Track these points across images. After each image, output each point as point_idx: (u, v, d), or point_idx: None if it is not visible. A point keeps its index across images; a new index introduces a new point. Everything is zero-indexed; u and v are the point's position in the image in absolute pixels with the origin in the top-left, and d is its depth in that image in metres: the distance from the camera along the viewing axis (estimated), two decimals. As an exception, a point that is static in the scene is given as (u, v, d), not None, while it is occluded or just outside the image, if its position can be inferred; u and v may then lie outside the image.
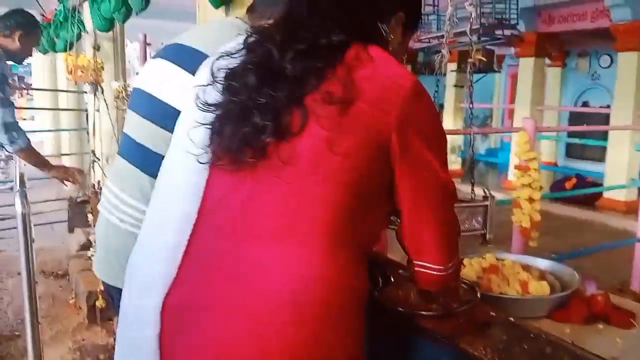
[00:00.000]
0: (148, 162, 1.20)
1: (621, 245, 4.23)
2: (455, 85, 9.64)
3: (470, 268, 1.61)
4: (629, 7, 6.39)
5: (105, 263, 1.31)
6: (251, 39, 0.93)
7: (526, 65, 8.29)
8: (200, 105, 0.92)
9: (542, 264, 1.68)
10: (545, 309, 1.45)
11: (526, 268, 1.60)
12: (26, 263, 2.25)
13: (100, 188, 3.46)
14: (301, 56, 0.86)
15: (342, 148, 0.82)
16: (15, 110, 2.86)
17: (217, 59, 0.95)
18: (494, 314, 1.20)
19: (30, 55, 3.08)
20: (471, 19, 1.70)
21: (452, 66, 8.69)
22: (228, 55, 0.94)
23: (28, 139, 2.77)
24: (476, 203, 1.80)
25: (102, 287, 2.68)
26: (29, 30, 2.94)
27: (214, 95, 0.91)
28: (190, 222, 0.89)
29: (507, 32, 4.75)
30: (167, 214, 0.94)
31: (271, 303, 0.81)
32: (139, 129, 1.24)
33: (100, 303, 3.11)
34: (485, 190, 1.77)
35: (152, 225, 0.98)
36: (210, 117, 0.91)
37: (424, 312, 1.16)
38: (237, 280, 0.83)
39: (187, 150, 0.92)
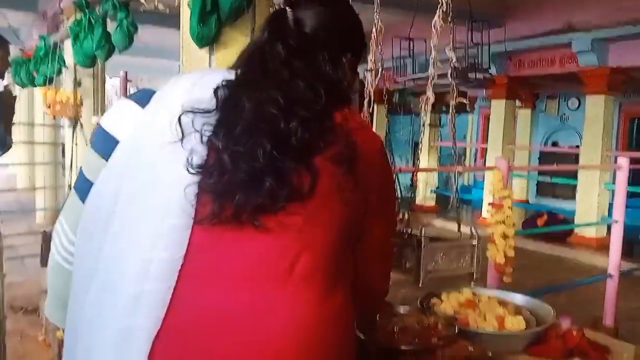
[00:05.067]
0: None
1: (593, 281, 4.31)
2: (430, 125, 9.89)
3: (448, 303, 1.64)
4: (595, 53, 6.70)
5: (54, 307, 1.28)
6: (233, 95, 0.92)
7: (498, 107, 8.55)
8: (192, 170, 0.89)
9: (518, 299, 1.71)
10: (522, 344, 1.48)
11: (502, 303, 1.64)
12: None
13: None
14: (306, 122, 0.90)
15: (351, 200, 0.91)
16: None
17: (190, 113, 0.92)
18: (472, 348, 1.23)
19: (6, 70, 3.03)
20: (452, 63, 1.78)
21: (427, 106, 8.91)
22: (205, 112, 0.91)
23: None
24: (464, 242, 1.83)
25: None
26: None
27: (202, 154, 0.90)
28: (174, 270, 0.87)
29: (480, 76, 4.93)
30: (146, 261, 0.88)
31: (277, 347, 0.83)
32: (93, 166, 1.22)
33: (61, 335, 3.01)
34: (473, 229, 1.80)
35: (114, 273, 0.91)
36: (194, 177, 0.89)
37: (404, 347, 1.18)
38: (240, 329, 0.84)
39: (183, 209, 0.89)
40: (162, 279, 0.87)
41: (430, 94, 1.84)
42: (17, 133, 9.05)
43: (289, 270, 0.86)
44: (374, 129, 1.10)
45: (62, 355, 0.99)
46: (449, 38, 2.31)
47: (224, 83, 0.94)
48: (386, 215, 1.05)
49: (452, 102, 1.88)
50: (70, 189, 3.66)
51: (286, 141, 0.88)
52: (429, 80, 1.87)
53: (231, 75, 0.96)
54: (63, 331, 1.28)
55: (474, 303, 1.65)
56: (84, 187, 1.21)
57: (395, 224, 1.08)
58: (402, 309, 1.45)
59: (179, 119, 0.90)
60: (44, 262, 4.22)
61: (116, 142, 1.12)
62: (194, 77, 1.00)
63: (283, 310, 0.85)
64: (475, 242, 1.84)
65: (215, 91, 0.92)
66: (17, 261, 4.53)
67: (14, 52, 7.47)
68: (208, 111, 0.91)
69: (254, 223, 0.86)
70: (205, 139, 0.90)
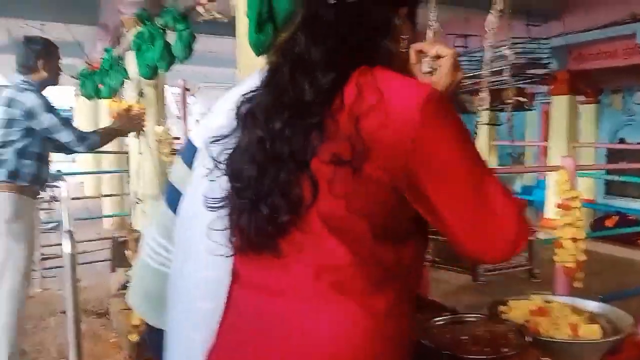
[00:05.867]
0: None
1: (670, 285, 4.06)
2: (488, 124, 9.63)
3: (517, 310, 1.58)
4: (661, 43, 6.34)
5: (134, 294, 1.37)
6: (241, 112, 0.89)
7: (559, 103, 8.22)
8: (209, 206, 0.89)
9: (592, 306, 1.63)
10: (598, 354, 1.40)
11: (575, 310, 1.56)
12: (73, 302, 2.31)
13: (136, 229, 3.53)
14: (289, 121, 0.82)
15: (360, 208, 0.80)
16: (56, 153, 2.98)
17: (212, 143, 0.91)
18: (544, 358, 1.18)
19: (59, 76, 3.00)
20: (510, 61, 1.72)
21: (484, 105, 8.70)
22: (222, 138, 0.90)
23: (97, 135, 2.91)
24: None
25: (135, 323, 2.72)
26: (50, 55, 2.87)
27: (222, 184, 0.89)
28: (223, 289, 0.88)
29: (540, 72, 4.75)
30: (197, 280, 0.92)
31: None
32: (180, 175, 1.30)
33: (132, 337, 3.12)
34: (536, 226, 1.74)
35: (184, 289, 0.96)
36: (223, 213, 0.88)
37: (475, 357, 1.14)
38: (278, 341, 0.82)
39: (209, 252, 0.89)
40: (212, 298, 0.89)
41: (485, 94, 1.78)
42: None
43: (315, 286, 0.81)
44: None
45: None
46: (505, 34, 2.23)
47: (242, 99, 0.90)
48: (452, 184, 0.81)
49: (508, 100, 1.81)
50: (136, 195, 3.79)
51: (274, 153, 0.82)
52: (484, 81, 1.81)
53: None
54: (143, 323, 1.38)
55: (545, 310, 1.58)
56: (170, 193, 1.30)
57: (479, 189, 0.82)
58: (469, 317, 1.41)
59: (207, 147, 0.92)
60: (113, 267, 4.42)
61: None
62: (231, 94, 1.00)
63: (319, 329, 0.80)
64: (532, 237, 1.77)
65: (234, 112, 0.90)
66: (87, 266, 4.75)
67: (80, 64, 7.88)
68: (225, 136, 0.90)
69: (269, 248, 0.83)
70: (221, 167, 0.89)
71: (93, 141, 2.83)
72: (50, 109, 2.70)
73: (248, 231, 0.84)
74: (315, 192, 0.79)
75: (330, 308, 0.80)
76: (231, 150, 0.88)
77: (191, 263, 0.94)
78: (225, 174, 0.88)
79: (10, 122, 2.66)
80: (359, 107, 0.79)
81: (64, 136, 2.71)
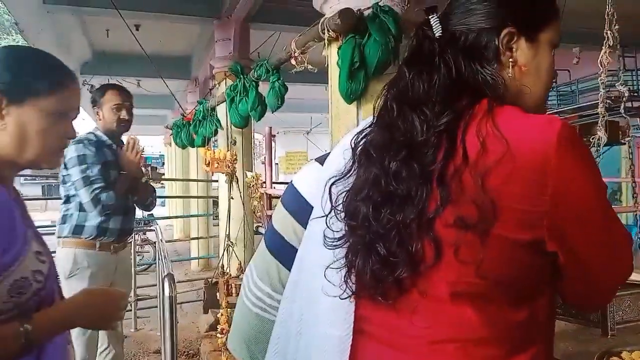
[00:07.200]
0: (282, 252, 1.29)
1: None
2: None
3: (633, 363, 1.47)
4: None
5: (236, 342, 1.40)
6: (356, 150, 0.87)
7: (657, 135, 7.70)
8: (328, 244, 0.86)
9: None
10: None
11: (702, 364, 1.43)
12: (170, 343, 2.38)
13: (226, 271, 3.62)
14: (405, 161, 0.78)
15: (490, 272, 0.74)
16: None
17: (333, 183, 0.89)
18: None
19: (131, 122, 2.67)
20: (623, 98, 1.66)
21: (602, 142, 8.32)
22: (342, 177, 0.88)
23: (112, 192, 2.49)
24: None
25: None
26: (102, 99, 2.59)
27: (339, 225, 0.86)
28: (345, 346, 0.84)
29: (637, 104, 4.51)
30: (318, 338, 0.88)
31: None
32: (281, 221, 1.34)
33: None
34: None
35: (304, 347, 0.92)
36: (341, 253, 0.85)
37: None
38: None
39: (326, 293, 0.86)
40: (335, 355, 0.85)
41: (602, 134, 1.72)
42: (174, 189, 10.08)
43: (440, 348, 0.77)
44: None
45: None
46: (594, 66, 2.15)
47: (357, 137, 0.88)
48: (592, 224, 0.76)
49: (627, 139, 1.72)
50: (228, 239, 3.93)
51: (390, 197, 0.78)
52: (600, 119, 1.74)
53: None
54: None
55: (665, 362, 1.46)
56: (271, 237, 1.35)
57: (610, 228, 0.78)
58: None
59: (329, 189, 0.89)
60: (206, 309, 4.55)
61: (303, 200, 1.22)
62: (345, 140, 0.96)
63: None
64: None
65: (352, 151, 0.88)
66: (177, 307, 4.90)
67: (171, 115, 8.33)
68: (344, 176, 0.88)
69: (381, 298, 0.80)
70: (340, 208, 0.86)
71: (107, 199, 2.46)
72: (81, 161, 2.45)
73: (362, 273, 0.81)
74: (438, 253, 0.75)
75: None
76: (348, 190, 0.86)
77: (312, 316, 0.91)
78: (342, 213, 0.86)
79: (66, 176, 2.51)
80: (484, 163, 0.72)
81: (82, 196, 2.46)
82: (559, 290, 0.83)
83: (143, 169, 2.67)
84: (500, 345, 0.76)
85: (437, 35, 0.83)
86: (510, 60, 0.82)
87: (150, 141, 19.60)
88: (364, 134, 0.88)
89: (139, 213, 3.48)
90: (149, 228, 6.73)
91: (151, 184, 2.83)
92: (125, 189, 2.58)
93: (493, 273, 0.74)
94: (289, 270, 1.24)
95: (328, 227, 0.87)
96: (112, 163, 2.58)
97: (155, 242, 5.64)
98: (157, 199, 2.99)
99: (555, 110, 5.25)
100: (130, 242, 3.25)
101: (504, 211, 0.71)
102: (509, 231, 0.72)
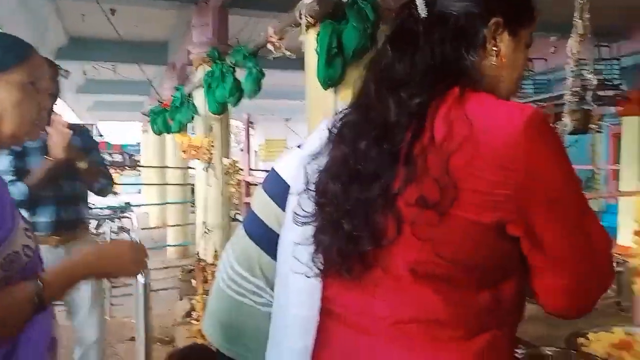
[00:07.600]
0: (263, 237, 1.29)
1: None
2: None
3: (597, 343, 1.51)
4: None
5: (210, 325, 1.41)
6: (332, 130, 0.89)
7: (631, 124, 7.85)
8: (297, 222, 0.89)
9: (680, 339, 1.54)
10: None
11: (662, 344, 1.48)
12: (144, 330, 2.37)
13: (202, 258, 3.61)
14: (375, 142, 0.79)
15: (448, 252, 0.75)
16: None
17: (309, 163, 0.91)
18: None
19: (59, 93, 2.37)
20: (590, 86, 1.69)
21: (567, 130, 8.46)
22: (316, 156, 0.90)
23: (19, 185, 2.19)
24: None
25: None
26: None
27: (310, 204, 0.88)
28: (311, 327, 0.86)
29: (611, 93, 4.59)
30: (288, 319, 0.91)
31: None
32: (262, 206, 1.34)
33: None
34: (617, 254, 1.68)
35: (276, 327, 0.96)
36: (310, 230, 0.87)
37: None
38: None
39: (293, 270, 0.88)
40: (301, 335, 0.87)
41: (568, 120, 1.75)
42: (150, 176, 9.97)
43: (401, 328, 0.78)
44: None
45: None
46: (567, 55, 2.17)
47: (335, 118, 0.90)
48: (560, 213, 0.75)
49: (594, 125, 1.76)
50: (205, 226, 3.91)
51: (357, 175, 0.80)
52: (566, 107, 1.77)
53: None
54: (216, 349, 1.41)
55: (629, 343, 1.51)
56: (251, 223, 1.35)
57: (582, 221, 0.77)
58: (548, 350, 1.37)
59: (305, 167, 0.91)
60: (181, 296, 4.54)
61: (285, 183, 1.22)
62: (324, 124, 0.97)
63: None
64: (622, 268, 1.70)
65: (328, 132, 0.90)
66: (152, 294, 4.85)
67: (148, 102, 8.22)
68: (318, 155, 0.90)
69: (349, 272, 0.82)
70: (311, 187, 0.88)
71: (16, 192, 2.15)
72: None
73: (329, 249, 0.83)
74: (399, 230, 0.76)
75: (426, 355, 0.77)
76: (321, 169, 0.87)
77: (283, 298, 0.94)
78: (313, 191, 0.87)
79: None
80: (449, 145, 0.73)
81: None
82: (532, 289, 0.82)
83: (78, 151, 2.28)
84: (461, 327, 0.77)
85: (422, 15, 0.83)
86: (495, 49, 0.83)
87: (127, 127, 19.31)
88: (342, 114, 0.89)
89: (115, 200, 3.38)
90: (124, 215, 6.67)
91: (102, 169, 2.52)
92: (49, 176, 2.24)
93: (451, 253, 0.75)
94: (269, 255, 1.24)
95: (299, 204, 0.89)
96: (32, 150, 2.27)
97: (129, 230, 5.57)
98: (135, 186, 2.88)
99: (531, 99, 5.32)
100: (98, 232, 3.11)
101: (465, 193, 0.72)
102: (469, 212, 0.73)
